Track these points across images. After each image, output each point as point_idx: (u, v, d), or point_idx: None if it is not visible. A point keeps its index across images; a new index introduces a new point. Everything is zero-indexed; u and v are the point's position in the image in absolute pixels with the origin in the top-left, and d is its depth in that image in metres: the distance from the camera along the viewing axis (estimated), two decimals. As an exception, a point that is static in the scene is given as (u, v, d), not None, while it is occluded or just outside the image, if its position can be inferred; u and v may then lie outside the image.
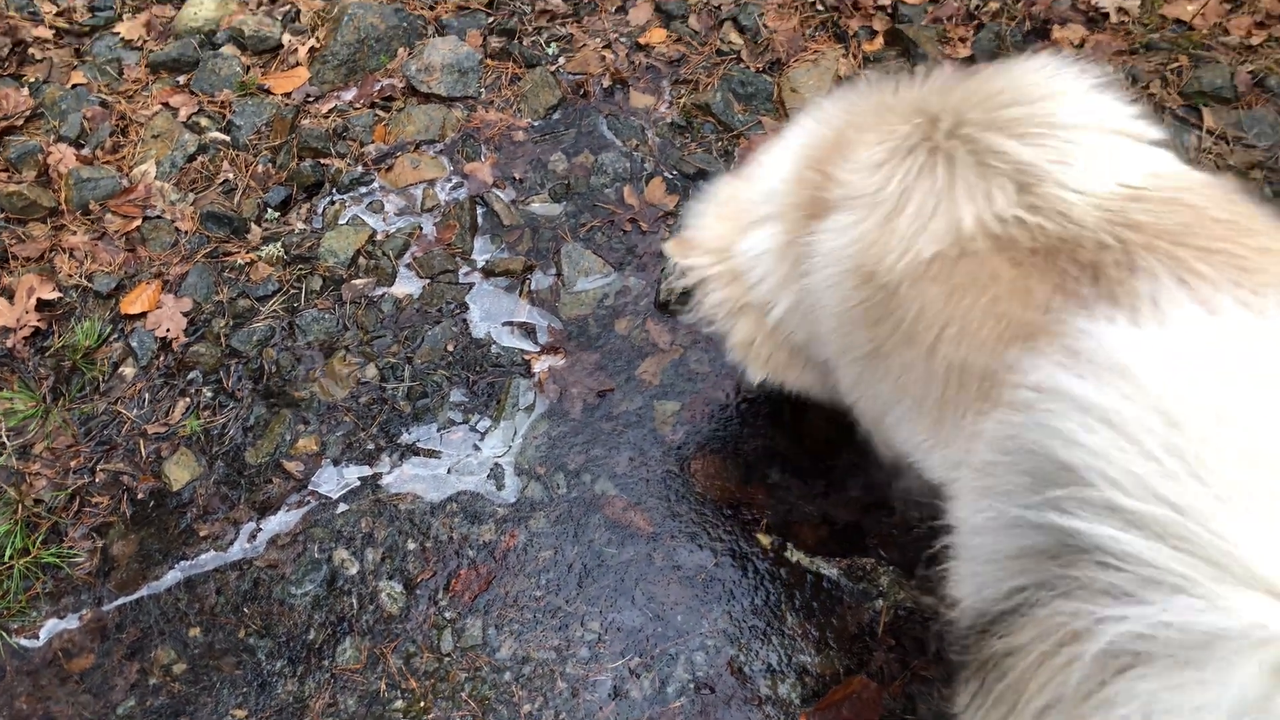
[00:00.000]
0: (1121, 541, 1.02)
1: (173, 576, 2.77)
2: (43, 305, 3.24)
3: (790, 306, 2.10)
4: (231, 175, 3.57)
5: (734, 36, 3.83)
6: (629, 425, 2.94)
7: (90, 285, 3.29)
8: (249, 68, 3.88)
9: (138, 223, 3.44)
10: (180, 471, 2.93)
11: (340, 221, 3.44)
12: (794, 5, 3.88)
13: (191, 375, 3.12)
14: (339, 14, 3.87)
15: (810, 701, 2.44)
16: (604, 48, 3.86)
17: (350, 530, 2.79)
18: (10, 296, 3.25)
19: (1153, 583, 0.99)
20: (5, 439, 2.99)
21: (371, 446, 2.95)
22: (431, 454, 2.93)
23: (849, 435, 2.43)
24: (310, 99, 3.77)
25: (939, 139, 1.70)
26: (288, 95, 3.77)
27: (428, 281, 3.29)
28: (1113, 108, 1.71)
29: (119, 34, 4.02)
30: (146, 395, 3.09)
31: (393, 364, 3.10)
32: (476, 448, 2.94)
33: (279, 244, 3.39)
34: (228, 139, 3.67)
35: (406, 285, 3.29)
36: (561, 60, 3.84)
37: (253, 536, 2.82)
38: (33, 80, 3.85)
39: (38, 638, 2.69)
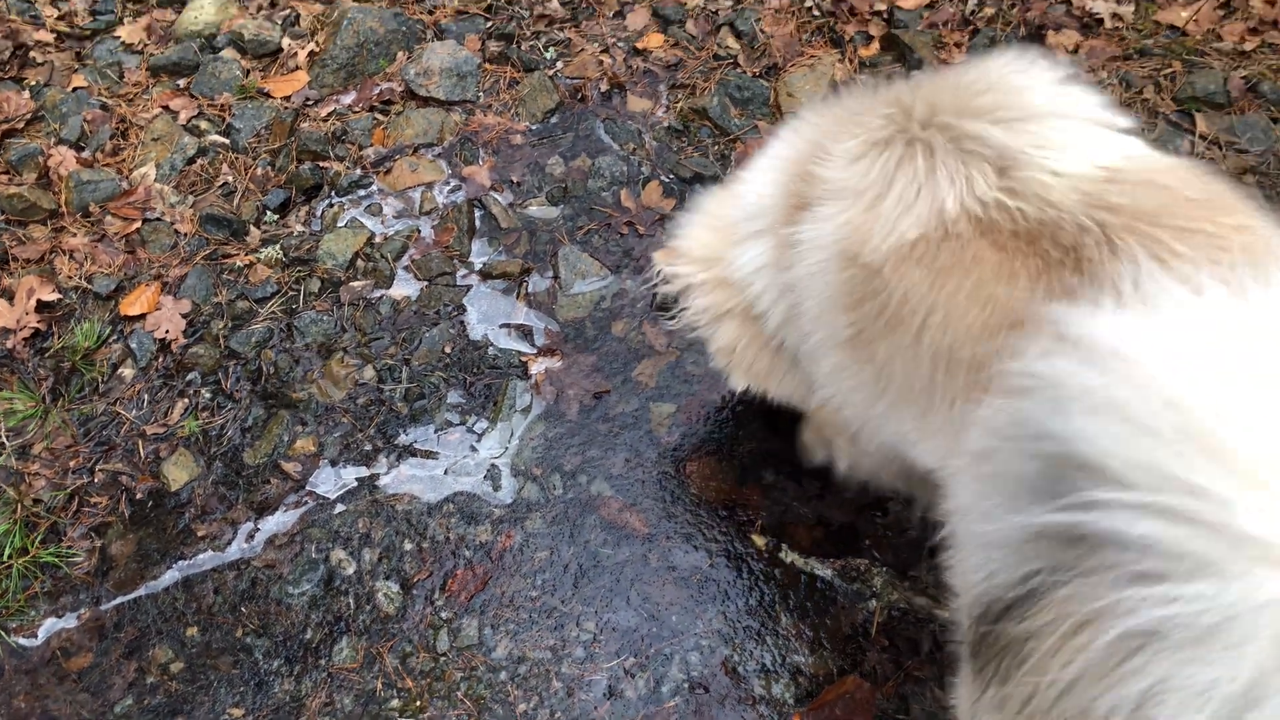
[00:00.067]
0: (1136, 524, 1.02)
1: (171, 576, 2.78)
2: (42, 306, 3.26)
3: (784, 316, 2.11)
4: (231, 178, 3.59)
5: (731, 41, 3.86)
6: (625, 427, 2.95)
7: (90, 287, 3.31)
8: (249, 71, 3.90)
9: (137, 225, 3.46)
10: (179, 472, 2.94)
11: (339, 224, 3.46)
12: (790, 10, 3.91)
13: (190, 376, 3.13)
14: (338, 18, 3.90)
15: (804, 701, 2.45)
16: (602, 52, 3.88)
17: (347, 530, 2.81)
18: (10, 298, 3.27)
19: (1172, 563, 1.00)
20: (5, 439, 3.00)
21: (369, 447, 2.97)
22: (428, 455, 2.95)
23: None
24: (309, 102, 3.79)
25: (915, 130, 1.72)
26: (287, 99, 3.80)
27: (425, 284, 3.30)
28: (1082, 97, 1.73)
29: (120, 38, 4.04)
30: (145, 396, 3.11)
31: (390, 365, 3.12)
32: (473, 449, 2.95)
33: (278, 246, 3.41)
34: (227, 142, 3.69)
35: (404, 287, 3.31)
36: (559, 65, 3.86)
37: (250, 536, 2.83)
38: (34, 83, 3.88)
39: (36, 637, 2.70)
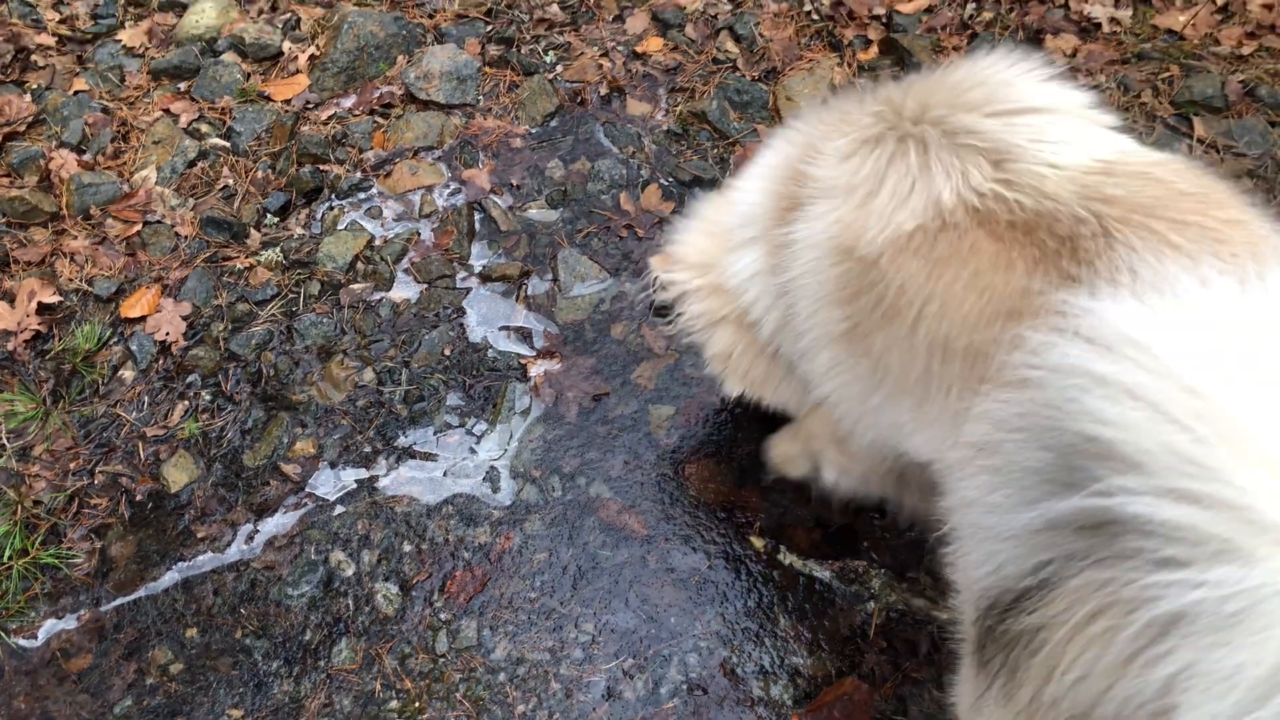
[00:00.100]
0: (1160, 510, 1.03)
1: (170, 577, 2.79)
2: (43, 309, 3.27)
3: (778, 322, 2.11)
4: (231, 181, 3.61)
5: (730, 45, 3.87)
6: (624, 429, 2.96)
7: (90, 289, 3.32)
8: (249, 75, 3.91)
9: (138, 228, 3.47)
10: (178, 474, 2.95)
11: (339, 227, 3.47)
12: (790, 14, 3.92)
13: (190, 378, 3.14)
14: (339, 22, 3.91)
15: (802, 703, 2.45)
16: (601, 56, 3.89)
17: (347, 532, 2.81)
18: (11, 300, 3.28)
19: (1195, 548, 1.00)
20: (5, 441, 3.01)
21: (368, 449, 2.98)
22: (428, 457, 2.96)
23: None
24: (310, 106, 3.80)
25: (906, 126, 1.73)
26: (288, 102, 3.81)
27: (425, 286, 3.31)
28: (1072, 94, 1.75)
29: (121, 41, 4.06)
30: (145, 398, 3.12)
31: (390, 368, 3.12)
32: (473, 451, 2.96)
33: (278, 249, 3.42)
34: (228, 145, 3.70)
35: (404, 290, 3.32)
36: (559, 68, 3.88)
37: (250, 538, 2.84)
38: (35, 87, 3.89)
39: (36, 638, 2.71)
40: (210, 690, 2.59)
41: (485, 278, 3.32)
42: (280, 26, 4.04)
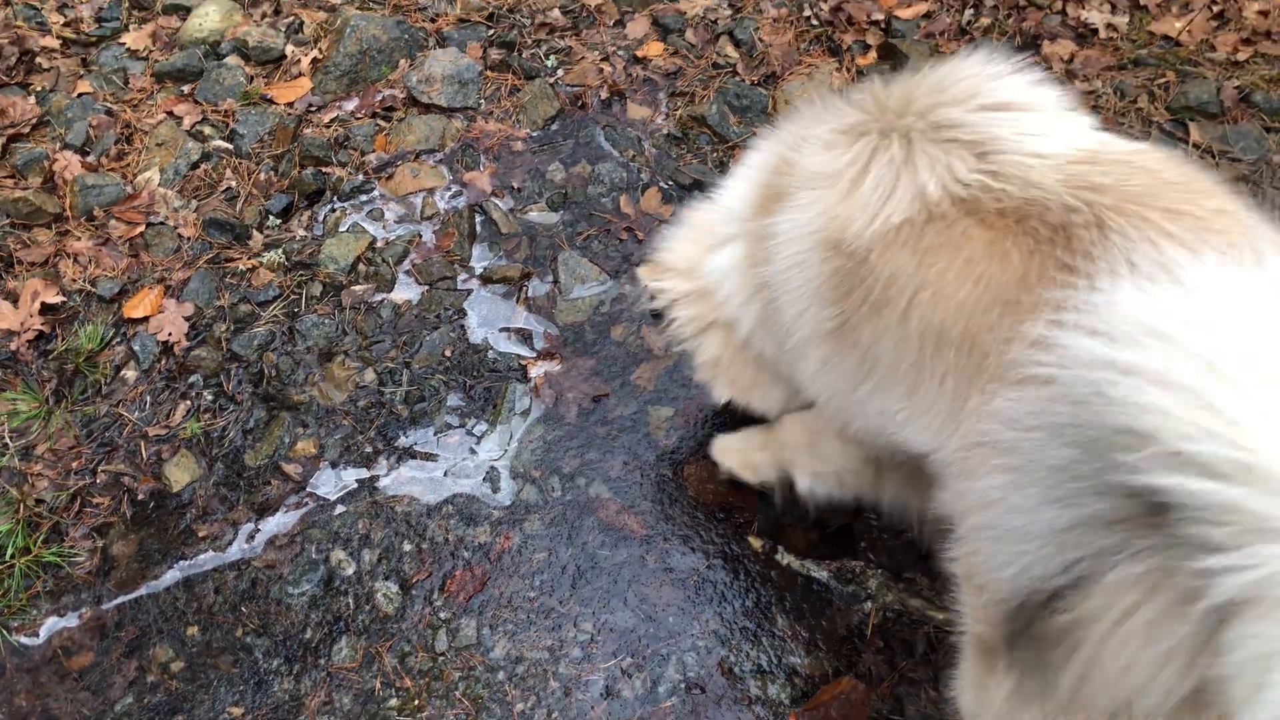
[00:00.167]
0: (1207, 493, 1.02)
1: (172, 576, 2.80)
2: (47, 309, 3.29)
3: (757, 318, 2.10)
4: (234, 183, 3.63)
5: (730, 50, 3.90)
6: (623, 430, 2.98)
7: (94, 290, 3.34)
8: (252, 78, 3.94)
9: (141, 229, 3.49)
10: (180, 473, 2.97)
11: (341, 229, 3.50)
12: (789, 20, 3.95)
13: (192, 379, 3.16)
14: (341, 25, 3.94)
15: (799, 702, 2.47)
16: (602, 60, 3.92)
17: (347, 531, 2.83)
18: (15, 300, 3.30)
19: (1248, 530, 0.99)
20: (8, 440, 3.03)
21: (369, 449, 2.99)
22: (428, 457, 2.98)
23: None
24: (312, 108, 3.83)
25: (889, 119, 1.75)
26: (290, 105, 3.83)
27: (426, 288, 3.33)
28: (1050, 92, 1.77)
29: (125, 44, 4.09)
30: (148, 398, 3.14)
31: (391, 369, 3.14)
32: (473, 451, 2.98)
33: (280, 250, 3.44)
34: (231, 147, 3.73)
35: (405, 291, 3.34)
36: (560, 72, 3.90)
37: (251, 537, 2.86)
38: (39, 89, 3.92)
39: (38, 635, 2.72)
40: (211, 688, 2.60)
41: (486, 279, 3.34)
42: (283, 30, 4.07)
